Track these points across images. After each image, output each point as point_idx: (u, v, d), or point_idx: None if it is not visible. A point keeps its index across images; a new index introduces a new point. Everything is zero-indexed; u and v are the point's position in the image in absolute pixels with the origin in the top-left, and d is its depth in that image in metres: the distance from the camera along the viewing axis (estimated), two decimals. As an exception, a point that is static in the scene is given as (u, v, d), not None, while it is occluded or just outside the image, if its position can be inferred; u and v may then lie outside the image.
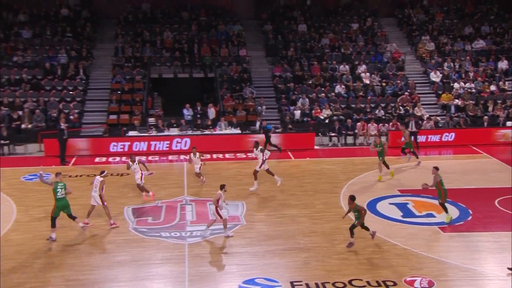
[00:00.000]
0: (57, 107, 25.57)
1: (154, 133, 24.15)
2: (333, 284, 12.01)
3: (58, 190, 14.15)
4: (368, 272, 12.52)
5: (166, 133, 24.22)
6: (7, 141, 23.17)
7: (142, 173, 17.32)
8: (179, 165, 21.96)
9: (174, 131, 24.44)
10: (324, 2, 35.39)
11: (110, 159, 22.63)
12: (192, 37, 31.05)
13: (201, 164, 18.83)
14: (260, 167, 18.18)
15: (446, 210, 15.37)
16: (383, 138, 22.26)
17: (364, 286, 11.97)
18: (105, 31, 31.73)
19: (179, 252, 13.71)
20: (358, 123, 25.65)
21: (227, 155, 23.35)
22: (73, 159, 22.33)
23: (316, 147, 24.68)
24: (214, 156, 23.05)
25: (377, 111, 27.07)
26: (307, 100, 27.47)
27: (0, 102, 25.23)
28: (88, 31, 30.70)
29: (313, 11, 34.34)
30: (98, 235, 14.78)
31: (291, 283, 12.11)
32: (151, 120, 25.94)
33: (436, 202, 15.67)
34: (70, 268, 12.79)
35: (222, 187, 14.52)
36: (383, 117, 26.73)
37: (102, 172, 15.49)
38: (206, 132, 24.55)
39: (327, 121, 26.38)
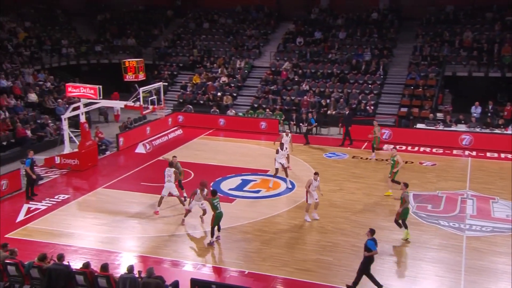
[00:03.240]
0: (357, 98, 26.55)
1: (441, 127, 22.86)
2: None
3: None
4: None
5: (453, 128, 22.63)
6: (316, 124, 25.21)
7: None
8: (464, 160, 20.24)
9: (461, 127, 22.66)
10: None
11: (397, 146, 22.21)
12: (494, 37, 27.91)
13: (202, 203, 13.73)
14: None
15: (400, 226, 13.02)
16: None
17: None
18: (407, 32, 31.20)
19: (457, 242, 12.76)
20: None
21: (509, 156, 20.32)
22: (365, 144, 22.23)
23: None
24: (495, 155, 20.50)
25: None
26: None
27: (314, 91, 27.63)
28: (392, 32, 30.74)
29: None
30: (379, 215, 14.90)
31: None
32: (440, 115, 24.55)
33: None
34: (356, 236, 13.17)
35: (314, 173, 14.22)
36: None
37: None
38: (496, 131, 21.88)
39: None
